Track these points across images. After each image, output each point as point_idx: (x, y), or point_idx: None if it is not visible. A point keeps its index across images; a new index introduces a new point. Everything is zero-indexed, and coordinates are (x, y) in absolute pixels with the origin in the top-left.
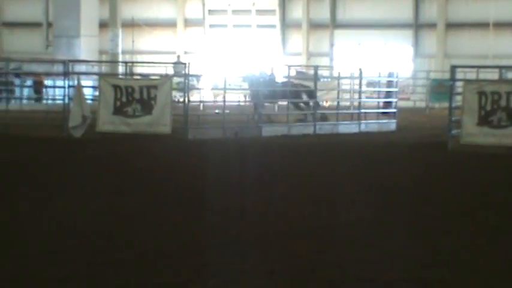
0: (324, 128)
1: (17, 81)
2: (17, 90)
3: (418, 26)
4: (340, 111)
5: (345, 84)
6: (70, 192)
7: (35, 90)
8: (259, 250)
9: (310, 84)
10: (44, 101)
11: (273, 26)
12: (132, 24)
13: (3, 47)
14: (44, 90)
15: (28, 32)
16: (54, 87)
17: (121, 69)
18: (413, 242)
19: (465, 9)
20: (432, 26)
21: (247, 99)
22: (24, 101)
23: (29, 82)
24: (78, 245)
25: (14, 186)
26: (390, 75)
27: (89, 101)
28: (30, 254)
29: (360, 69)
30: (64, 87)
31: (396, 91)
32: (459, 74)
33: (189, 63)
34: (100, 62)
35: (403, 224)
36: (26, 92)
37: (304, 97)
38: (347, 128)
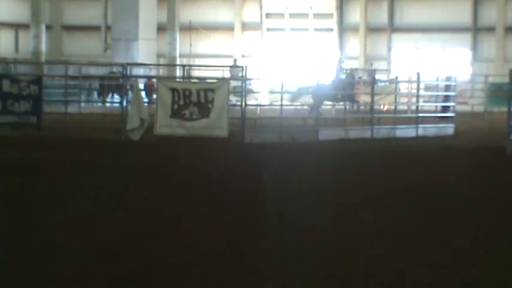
0: (381, 132)
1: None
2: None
3: (476, 30)
4: (397, 115)
5: (403, 88)
6: (128, 195)
7: (146, 93)
8: (316, 254)
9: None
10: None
11: (331, 30)
12: (189, 28)
13: (63, 50)
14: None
15: (87, 35)
16: (109, 90)
17: (178, 72)
18: (471, 247)
19: None
20: (491, 29)
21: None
22: (82, 104)
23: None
24: (136, 247)
25: (74, 189)
26: (448, 79)
27: (147, 104)
28: (87, 255)
29: (418, 73)
30: (122, 90)
31: (454, 95)
32: None
33: (246, 67)
34: (158, 65)
35: (460, 229)
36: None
37: None
38: (404, 132)
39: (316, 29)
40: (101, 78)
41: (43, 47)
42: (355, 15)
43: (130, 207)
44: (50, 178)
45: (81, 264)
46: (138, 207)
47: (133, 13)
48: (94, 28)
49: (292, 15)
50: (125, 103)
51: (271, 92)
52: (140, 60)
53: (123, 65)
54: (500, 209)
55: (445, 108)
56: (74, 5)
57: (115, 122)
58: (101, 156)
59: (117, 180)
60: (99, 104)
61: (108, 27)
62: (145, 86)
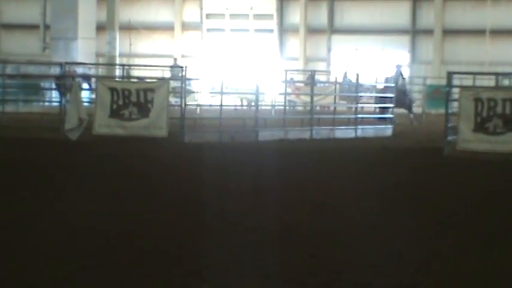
0: (321, 132)
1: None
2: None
3: (415, 32)
4: (336, 116)
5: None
6: (66, 194)
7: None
8: (255, 254)
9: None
10: (41, 103)
11: (271, 31)
12: (129, 27)
13: (1, 49)
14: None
15: (25, 33)
16: (50, 89)
17: (118, 72)
18: (409, 248)
19: (462, 16)
20: (429, 32)
21: (244, 103)
22: (20, 103)
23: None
24: (74, 246)
25: (11, 188)
26: (387, 80)
27: (86, 104)
28: (26, 255)
29: (357, 75)
30: (60, 89)
31: (393, 97)
32: (455, 81)
33: (186, 67)
34: (97, 64)
35: (398, 229)
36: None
37: None
38: (343, 133)
39: (256, 30)
40: (58, 77)
41: None
42: (295, 16)
43: (69, 206)
44: None
45: (18, 264)
46: (76, 206)
47: (72, 12)
48: (33, 27)
49: (232, 16)
50: (63, 102)
51: (212, 92)
52: (79, 60)
53: (61, 64)
54: (437, 210)
55: (383, 110)
56: (13, 3)
57: (53, 121)
58: (38, 155)
59: (55, 179)
60: (41, 104)
61: (47, 26)
62: None
